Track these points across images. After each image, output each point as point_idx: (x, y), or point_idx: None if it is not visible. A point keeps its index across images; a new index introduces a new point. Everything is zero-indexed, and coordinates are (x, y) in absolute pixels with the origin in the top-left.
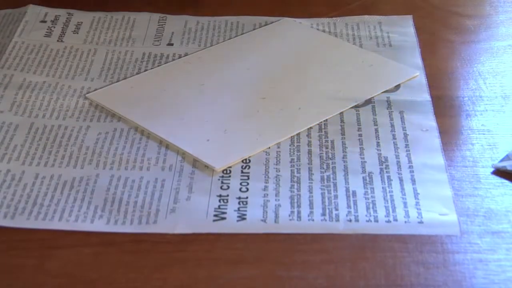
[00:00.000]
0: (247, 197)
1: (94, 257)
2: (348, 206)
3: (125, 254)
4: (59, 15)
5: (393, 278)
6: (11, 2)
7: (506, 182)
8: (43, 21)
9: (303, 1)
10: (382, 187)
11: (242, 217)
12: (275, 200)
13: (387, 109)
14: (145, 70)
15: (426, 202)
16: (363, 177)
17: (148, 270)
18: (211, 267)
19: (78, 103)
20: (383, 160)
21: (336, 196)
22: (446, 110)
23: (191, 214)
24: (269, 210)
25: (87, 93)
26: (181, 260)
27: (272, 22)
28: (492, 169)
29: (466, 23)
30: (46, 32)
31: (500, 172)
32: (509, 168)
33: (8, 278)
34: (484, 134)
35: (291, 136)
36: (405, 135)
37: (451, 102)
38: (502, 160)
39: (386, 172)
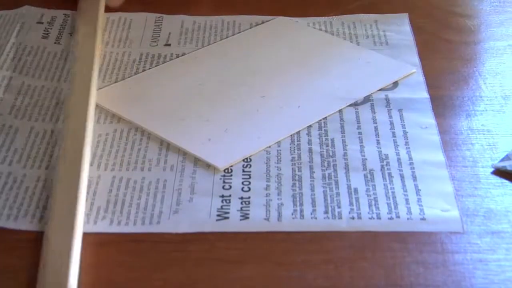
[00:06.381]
0: (249, 197)
1: (94, 257)
2: (351, 204)
3: (124, 254)
4: (56, 16)
5: (393, 278)
6: (6, 4)
7: (506, 182)
8: (40, 22)
9: (302, 1)
10: (384, 184)
11: (245, 217)
12: (277, 199)
13: (386, 107)
14: (143, 71)
15: (427, 198)
16: (364, 174)
17: (148, 270)
18: (211, 267)
19: None
20: (384, 157)
21: (338, 194)
22: (446, 110)
23: (194, 215)
24: (272, 209)
25: None
26: (181, 260)
27: (268, 21)
28: (492, 169)
29: (466, 23)
30: (43, 33)
31: (500, 172)
32: (509, 168)
33: (8, 278)
34: (484, 134)
35: (291, 135)
36: (405, 132)
37: (451, 102)
38: (502, 160)
39: (387, 169)
